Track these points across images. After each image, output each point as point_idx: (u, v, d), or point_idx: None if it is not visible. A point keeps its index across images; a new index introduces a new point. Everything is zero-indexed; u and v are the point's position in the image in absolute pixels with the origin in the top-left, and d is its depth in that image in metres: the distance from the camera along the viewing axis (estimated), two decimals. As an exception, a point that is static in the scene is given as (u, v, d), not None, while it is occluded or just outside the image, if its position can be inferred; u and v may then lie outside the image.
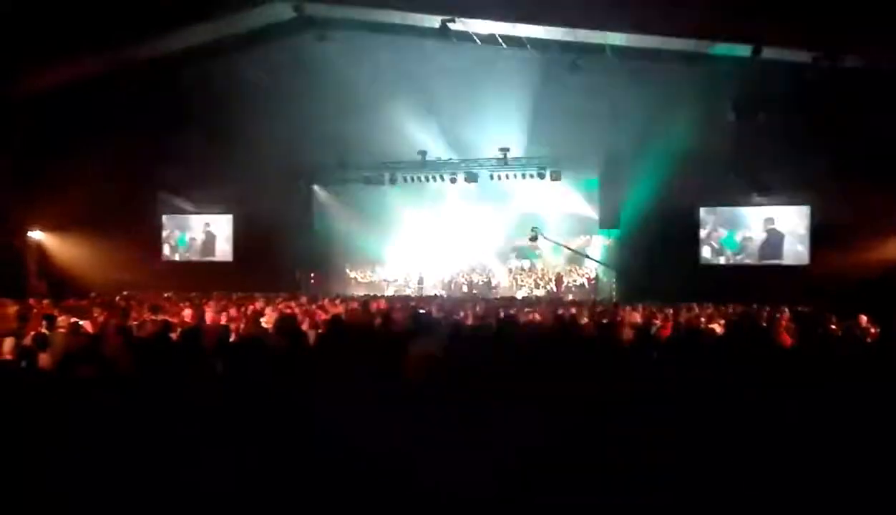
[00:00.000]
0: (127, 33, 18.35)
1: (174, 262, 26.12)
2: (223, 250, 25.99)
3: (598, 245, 24.49)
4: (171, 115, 21.48)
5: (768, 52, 16.98)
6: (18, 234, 24.32)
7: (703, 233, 21.26)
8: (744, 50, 17.04)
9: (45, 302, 14.21)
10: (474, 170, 22.98)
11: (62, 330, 7.63)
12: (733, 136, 18.90)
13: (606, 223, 22.06)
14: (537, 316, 11.60)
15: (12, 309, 11.27)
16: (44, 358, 6.06)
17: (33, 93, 20.26)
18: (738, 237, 20.99)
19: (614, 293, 21.81)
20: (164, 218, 26.34)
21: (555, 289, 24.15)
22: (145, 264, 24.25)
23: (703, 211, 21.30)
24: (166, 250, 26.41)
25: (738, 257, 20.98)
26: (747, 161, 19.36)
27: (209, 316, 10.59)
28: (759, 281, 19.26)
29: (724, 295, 16.00)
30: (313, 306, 13.59)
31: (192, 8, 18.28)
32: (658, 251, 19.68)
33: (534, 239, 23.77)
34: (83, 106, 20.73)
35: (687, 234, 21.01)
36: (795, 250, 20.30)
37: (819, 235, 19.64)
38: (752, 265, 20.74)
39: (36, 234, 24.95)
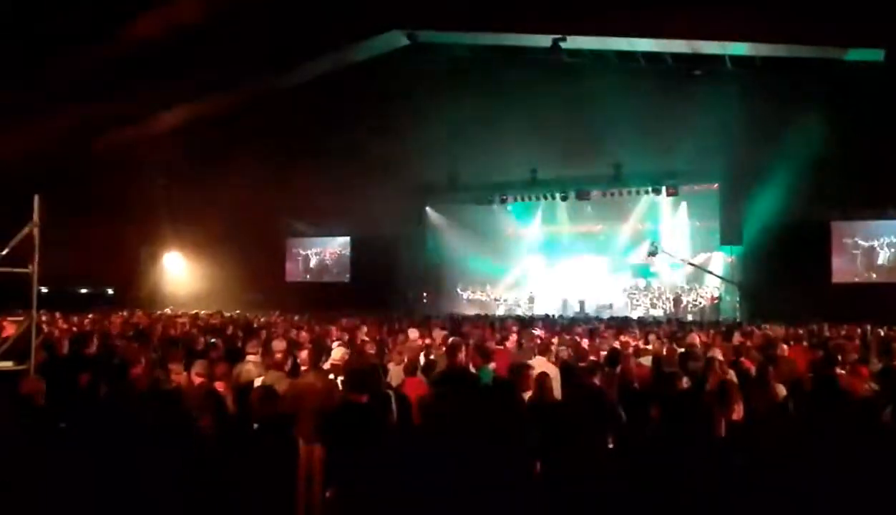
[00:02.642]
0: (255, 69, 19.61)
1: (296, 283, 27.50)
2: (341, 271, 27.12)
3: (719, 262, 23.36)
4: (294, 143, 22.72)
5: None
6: (157, 257, 26.62)
7: (835, 247, 19.86)
8: (876, 54, 15.90)
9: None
10: (586, 188, 22.66)
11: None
12: (867, 144, 17.58)
13: (728, 239, 21.07)
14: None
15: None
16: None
17: (170, 128, 22.02)
18: (875, 253, 19.47)
19: (738, 313, 20.73)
20: (288, 241, 27.88)
21: (672, 309, 23.23)
22: (270, 284, 25.74)
23: (834, 224, 19.93)
24: (289, 271, 27.92)
25: (875, 273, 19.45)
26: (883, 170, 17.92)
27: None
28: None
29: (859, 315, 14.77)
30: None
31: (317, 41, 19.29)
32: (786, 268, 18.56)
33: (653, 253, 23.00)
34: (215, 137, 22.26)
35: (817, 249, 19.67)
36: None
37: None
38: (889, 282, 19.12)
39: (174, 255, 27.13)
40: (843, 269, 19.77)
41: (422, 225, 25.81)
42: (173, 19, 17.23)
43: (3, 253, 6.74)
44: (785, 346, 8.73)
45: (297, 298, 24.35)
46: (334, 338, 10.29)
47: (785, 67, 17.92)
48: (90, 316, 15.62)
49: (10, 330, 8.38)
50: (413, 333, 10.19)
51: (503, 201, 23.87)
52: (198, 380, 5.91)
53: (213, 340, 9.68)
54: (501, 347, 9.17)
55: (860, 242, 19.73)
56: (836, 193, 18.50)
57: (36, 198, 7.07)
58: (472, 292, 26.86)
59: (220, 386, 5.81)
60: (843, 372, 6.41)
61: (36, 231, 7.00)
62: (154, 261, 27.06)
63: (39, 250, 7.03)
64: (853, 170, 17.87)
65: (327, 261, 27.58)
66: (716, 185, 21.29)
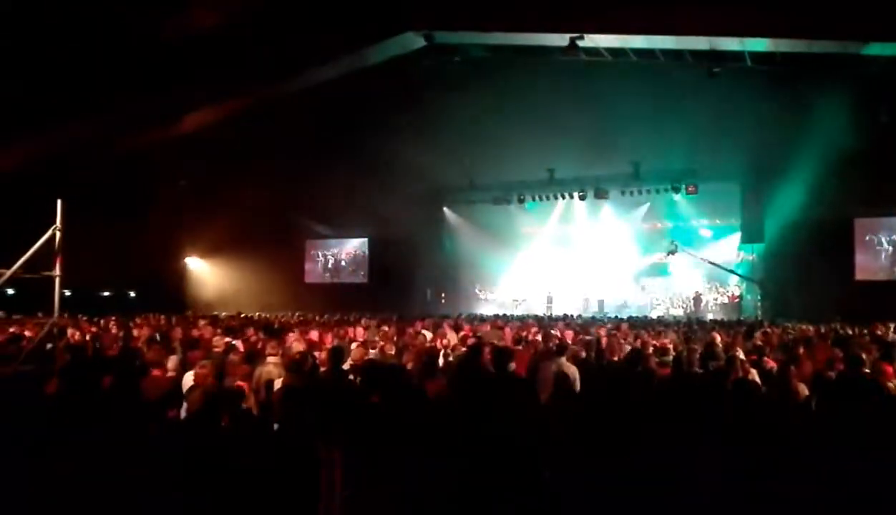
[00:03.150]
0: (271, 72, 19.70)
1: (314, 284, 27.67)
2: (359, 272, 27.25)
3: (740, 260, 23.11)
4: (311, 145, 22.82)
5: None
6: (178, 260, 26.90)
7: (858, 244, 19.56)
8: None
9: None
10: (604, 186, 22.54)
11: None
12: (890, 140, 17.28)
13: (749, 236, 20.84)
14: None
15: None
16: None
17: (190, 131, 22.18)
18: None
19: (759, 312, 20.49)
20: (307, 242, 28.08)
21: (693, 308, 23.03)
22: (289, 286, 25.94)
23: (857, 221, 19.63)
24: (308, 272, 28.11)
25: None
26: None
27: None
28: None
29: (882, 313, 14.51)
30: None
31: (333, 44, 19.34)
32: (808, 265, 18.30)
33: (672, 252, 22.82)
34: (234, 140, 22.41)
35: (840, 247, 19.38)
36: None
37: None
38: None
39: (193, 260, 27.39)
40: (867, 266, 19.48)
41: (439, 225, 25.84)
42: (190, 23, 17.36)
43: (26, 257, 6.84)
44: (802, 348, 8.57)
45: (316, 299, 24.52)
46: (356, 338, 10.32)
47: (806, 63, 17.65)
48: (113, 319, 15.78)
49: (33, 332, 8.50)
50: (429, 335, 10.24)
51: (520, 201, 23.80)
52: (209, 380, 5.93)
53: (232, 342, 9.73)
54: (520, 347, 9.14)
55: (884, 239, 19.43)
56: (859, 189, 18.21)
57: (59, 202, 7.16)
58: (490, 292, 26.84)
59: (241, 386, 5.84)
60: (866, 370, 6.31)
61: (59, 235, 7.10)
62: (175, 264, 27.33)
63: (62, 253, 7.12)
64: (877, 165, 17.58)
65: (345, 262, 27.73)
66: (737, 183, 21.07)
